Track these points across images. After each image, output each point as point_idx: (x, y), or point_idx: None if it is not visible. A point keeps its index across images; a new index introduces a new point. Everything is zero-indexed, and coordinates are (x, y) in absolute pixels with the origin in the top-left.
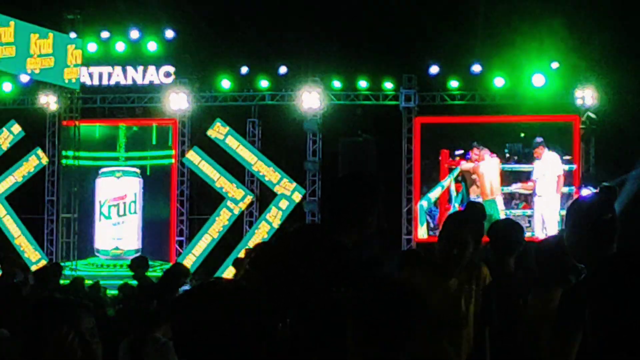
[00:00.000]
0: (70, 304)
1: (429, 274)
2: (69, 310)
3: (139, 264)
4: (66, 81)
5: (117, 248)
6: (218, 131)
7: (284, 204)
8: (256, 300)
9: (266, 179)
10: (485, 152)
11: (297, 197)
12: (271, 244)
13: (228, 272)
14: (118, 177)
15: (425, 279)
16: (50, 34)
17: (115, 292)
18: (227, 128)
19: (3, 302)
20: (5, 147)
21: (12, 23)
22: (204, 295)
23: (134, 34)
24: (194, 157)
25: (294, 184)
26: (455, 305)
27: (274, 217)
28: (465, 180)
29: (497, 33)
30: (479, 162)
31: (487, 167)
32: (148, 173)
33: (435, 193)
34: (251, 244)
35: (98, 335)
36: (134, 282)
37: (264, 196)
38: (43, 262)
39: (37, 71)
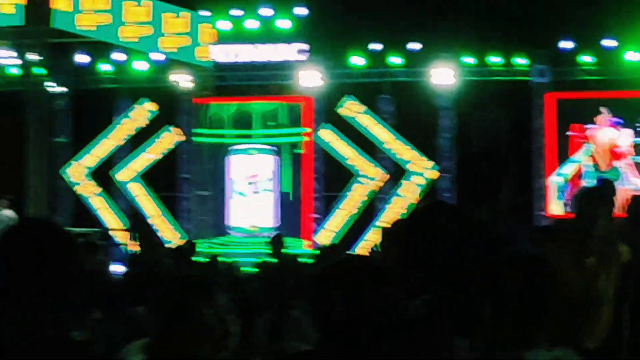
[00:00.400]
0: (206, 281)
1: (567, 252)
2: (205, 287)
3: (277, 242)
4: (198, 59)
5: (253, 225)
6: (350, 108)
7: (417, 180)
8: (387, 276)
9: (398, 156)
10: (604, 120)
11: (430, 174)
12: (405, 220)
13: (361, 248)
14: (252, 155)
15: (563, 256)
16: (185, 13)
17: (249, 269)
18: (362, 106)
19: (140, 280)
20: (141, 125)
21: (148, 3)
22: (341, 272)
23: (266, 11)
24: (326, 134)
25: (428, 160)
26: (592, 283)
27: (408, 193)
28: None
29: (629, 7)
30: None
31: (603, 135)
32: (281, 150)
33: (567, 168)
34: (384, 220)
35: (234, 312)
36: (273, 260)
37: (397, 173)
38: (179, 240)
39: (173, 50)
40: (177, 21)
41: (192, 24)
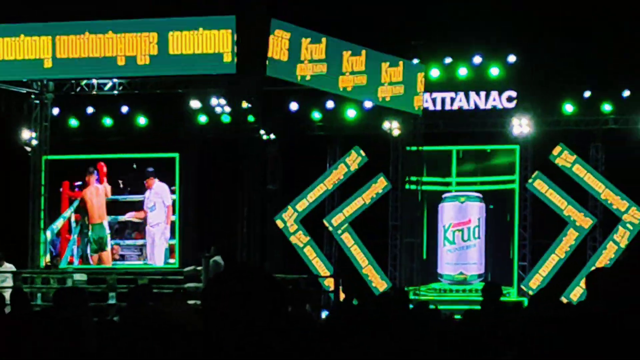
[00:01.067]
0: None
1: None
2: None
3: (491, 290)
4: (416, 108)
5: (461, 273)
6: (564, 158)
7: (629, 228)
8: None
9: (613, 207)
10: (92, 178)
11: (634, 215)
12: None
13: (575, 293)
14: (462, 202)
15: None
16: (401, 62)
17: (458, 316)
18: (574, 156)
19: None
20: (349, 171)
21: (363, 52)
22: None
23: (477, 59)
24: (539, 183)
25: (631, 205)
26: None
27: (621, 240)
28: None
29: None
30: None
31: (92, 192)
32: (489, 198)
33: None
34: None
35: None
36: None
37: (608, 222)
38: (384, 287)
39: (387, 99)
40: (392, 70)
41: (408, 73)
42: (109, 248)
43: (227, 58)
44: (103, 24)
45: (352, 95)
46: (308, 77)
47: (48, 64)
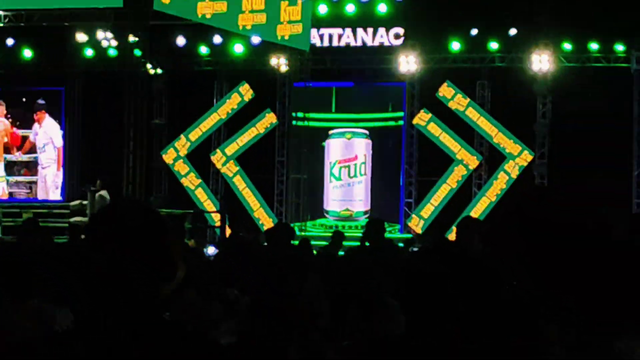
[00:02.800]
0: (299, 263)
1: None
2: (297, 269)
3: (375, 225)
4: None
5: (347, 209)
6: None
7: (513, 166)
8: None
9: (496, 142)
10: None
11: (524, 157)
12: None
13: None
14: (348, 139)
15: None
16: (299, 1)
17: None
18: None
19: (233, 262)
20: (235, 108)
21: None
22: None
23: None
24: (421, 116)
25: (520, 145)
26: None
27: (503, 179)
28: None
29: None
30: None
31: None
32: (376, 135)
33: None
34: (479, 206)
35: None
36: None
37: (493, 159)
38: (271, 223)
39: (286, 37)
40: (291, 9)
41: (303, 12)
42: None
43: None
44: None
45: (252, 33)
46: (208, 16)
47: None
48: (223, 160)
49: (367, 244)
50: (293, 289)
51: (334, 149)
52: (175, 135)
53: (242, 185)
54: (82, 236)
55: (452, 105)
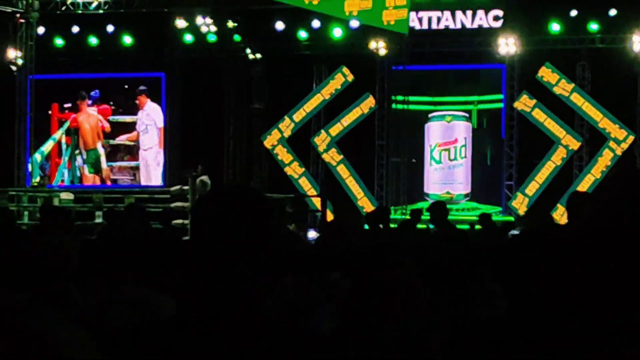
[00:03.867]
0: (396, 249)
1: None
2: (395, 255)
3: (438, 209)
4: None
5: (447, 192)
6: (548, 76)
7: (615, 148)
8: None
9: (601, 127)
10: (85, 103)
11: (628, 142)
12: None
13: (558, 213)
14: (448, 122)
15: None
16: None
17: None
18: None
19: (334, 246)
20: (338, 88)
21: None
22: None
23: None
24: (525, 101)
25: (625, 130)
26: None
27: (605, 161)
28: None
29: None
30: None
31: (85, 117)
32: (476, 117)
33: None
34: (584, 184)
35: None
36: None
37: (595, 141)
38: (367, 201)
39: (392, 23)
40: None
41: None
42: (105, 167)
43: None
44: None
45: (358, 19)
46: (315, 2)
47: None
48: (328, 141)
49: (431, 226)
50: (391, 273)
51: (434, 132)
52: (275, 120)
53: (345, 174)
54: (175, 221)
55: (556, 90)
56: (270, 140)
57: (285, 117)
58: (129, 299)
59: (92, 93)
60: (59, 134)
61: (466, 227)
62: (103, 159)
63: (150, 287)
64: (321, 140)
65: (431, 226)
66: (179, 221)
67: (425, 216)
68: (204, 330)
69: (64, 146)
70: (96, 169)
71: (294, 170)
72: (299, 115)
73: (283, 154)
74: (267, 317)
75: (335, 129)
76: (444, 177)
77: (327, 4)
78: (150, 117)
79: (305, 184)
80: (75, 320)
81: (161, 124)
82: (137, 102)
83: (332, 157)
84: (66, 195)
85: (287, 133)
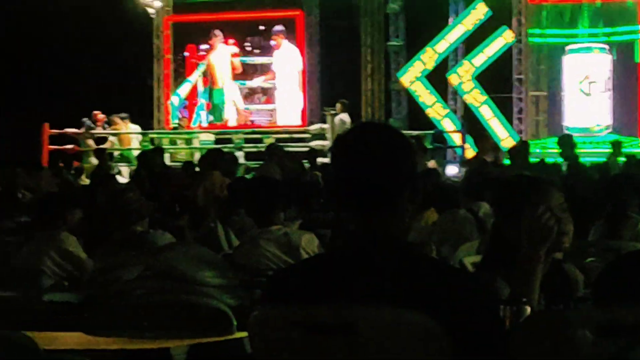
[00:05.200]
0: (540, 181)
1: None
2: (539, 187)
3: (566, 142)
4: None
5: (596, 124)
6: None
7: None
8: None
9: None
10: (217, 40)
11: None
12: None
13: None
14: (589, 54)
15: None
16: None
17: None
18: None
19: (478, 180)
20: (476, 23)
21: None
22: None
23: None
24: None
25: None
26: None
27: None
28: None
29: None
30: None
31: (218, 55)
32: (617, 49)
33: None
34: None
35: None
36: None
37: None
38: (511, 141)
39: None
40: None
41: None
42: (231, 112)
43: None
44: None
45: None
46: None
47: None
48: (461, 79)
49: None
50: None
51: (575, 64)
52: (413, 56)
53: (489, 115)
54: (320, 159)
55: None
56: (409, 76)
57: (427, 48)
58: (275, 238)
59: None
60: (194, 76)
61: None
62: (227, 103)
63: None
64: (460, 75)
65: (559, 160)
66: (319, 160)
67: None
68: (355, 265)
69: (200, 88)
70: (219, 114)
71: (437, 112)
72: (440, 47)
73: (423, 93)
74: (413, 252)
75: (474, 63)
76: (584, 109)
77: None
78: (287, 58)
79: (446, 120)
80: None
81: (300, 67)
82: (273, 42)
83: (475, 97)
84: (206, 137)
85: (430, 65)
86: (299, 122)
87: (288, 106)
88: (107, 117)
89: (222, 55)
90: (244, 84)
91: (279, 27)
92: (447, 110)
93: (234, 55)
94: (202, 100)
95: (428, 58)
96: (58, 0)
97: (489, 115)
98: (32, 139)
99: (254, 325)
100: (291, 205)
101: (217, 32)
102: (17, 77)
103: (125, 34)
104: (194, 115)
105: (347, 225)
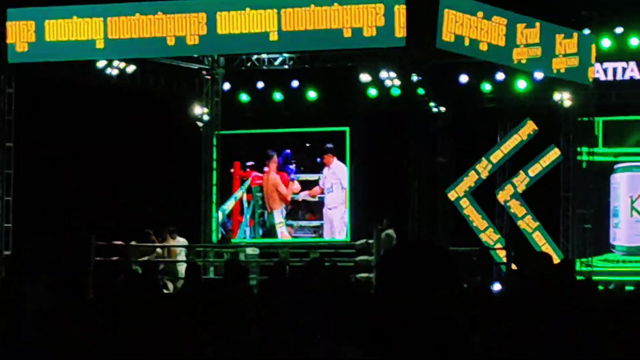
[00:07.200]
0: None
1: None
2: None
3: None
4: (590, 79)
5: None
6: None
7: None
8: None
9: None
10: (273, 164)
11: None
12: None
13: None
14: (636, 173)
15: None
16: (575, 34)
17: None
18: None
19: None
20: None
21: (537, 24)
22: None
23: None
24: None
25: None
26: None
27: None
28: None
29: None
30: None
31: (273, 179)
32: None
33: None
34: None
35: None
36: None
37: None
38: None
39: (562, 70)
40: (567, 42)
41: (580, 44)
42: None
43: (399, 32)
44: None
45: (526, 67)
46: (483, 49)
47: (100, 44)
48: (511, 193)
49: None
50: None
51: (623, 183)
52: (459, 173)
53: (531, 227)
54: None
55: None
56: (457, 192)
57: (482, 159)
58: (320, 355)
59: (286, 152)
60: (240, 193)
61: None
62: (278, 226)
63: (339, 341)
64: (507, 192)
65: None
66: (364, 275)
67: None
68: None
69: (245, 204)
70: (270, 235)
71: (479, 222)
72: (495, 157)
73: (470, 211)
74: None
75: (520, 181)
76: (634, 228)
77: (496, 51)
78: (336, 176)
79: (491, 236)
80: None
81: (347, 185)
82: (322, 160)
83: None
84: (252, 250)
85: (484, 174)
86: (344, 237)
87: (336, 223)
88: (155, 230)
89: (275, 181)
90: (293, 197)
91: (329, 145)
92: (487, 224)
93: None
94: (246, 217)
95: (482, 169)
96: (105, 109)
97: (541, 241)
98: (79, 250)
99: None
100: None
101: (272, 152)
102: (67, 188)
103: (174, 147)
104: (239, 231)
105: None
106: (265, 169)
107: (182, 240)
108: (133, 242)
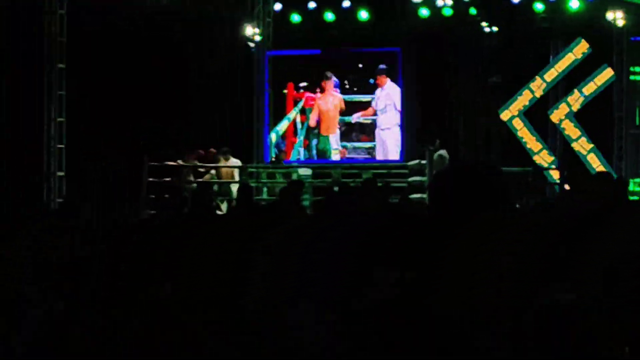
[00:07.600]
0: None
1: None
2: None
3: None
4: None
5: None
6: None
7: None
8: None
9: None
10: (330, 84)
11: None
12: None
13: None
14: None
15: None
16: None
17: None
18: None
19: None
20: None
21: None
22: None
23: None
24: None
25: None
26: None
27: None
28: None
29: None
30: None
31: (329, 101)
32: None
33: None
34: None
35: None
36: None
37: None
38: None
39: None
40: None
41: None
42: (340, 148)
43: None
44: None
45: None
46: None
47: None
48: (566, 112)
49: None
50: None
51: None
52: (511, 93)
53: (585, 149)
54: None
55: None
56: (510, 112)
57: (536, 77)
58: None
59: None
60: (293, 114)
61: None
62: (332, 152)
63: (391, 263)
64: (560, 112)
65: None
66: (417, 195)
67: None
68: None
69: (298, 125)
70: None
71: (533, 144)
72: (549, 75)
73: (523, 132)
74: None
75: (574, 100)
76: None
77: None
78: (390, 97)
79: (544, 156)
80: None
81: (399, 103)
82: (376, 80)
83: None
84: (304, 171)
85: (538, 93)
86: (398, 157)
87: (389, 144)
88: (208, 150)
89: (331, 104)
90: (342, 121)
91: (382, 66)
92: (540, 145)
93: (341, 104)
94: (300, 138)
95: (536, 87)
96: (159, 34)
97: (596, 163)
98: (132, 171)
99: None
100: None
101: (329, 73)
102: (120, 110)
103: (226, 68)
104: (292, 152)
105: None
106: (318, 94)
107: (235, 161)
108: (186, 163)
